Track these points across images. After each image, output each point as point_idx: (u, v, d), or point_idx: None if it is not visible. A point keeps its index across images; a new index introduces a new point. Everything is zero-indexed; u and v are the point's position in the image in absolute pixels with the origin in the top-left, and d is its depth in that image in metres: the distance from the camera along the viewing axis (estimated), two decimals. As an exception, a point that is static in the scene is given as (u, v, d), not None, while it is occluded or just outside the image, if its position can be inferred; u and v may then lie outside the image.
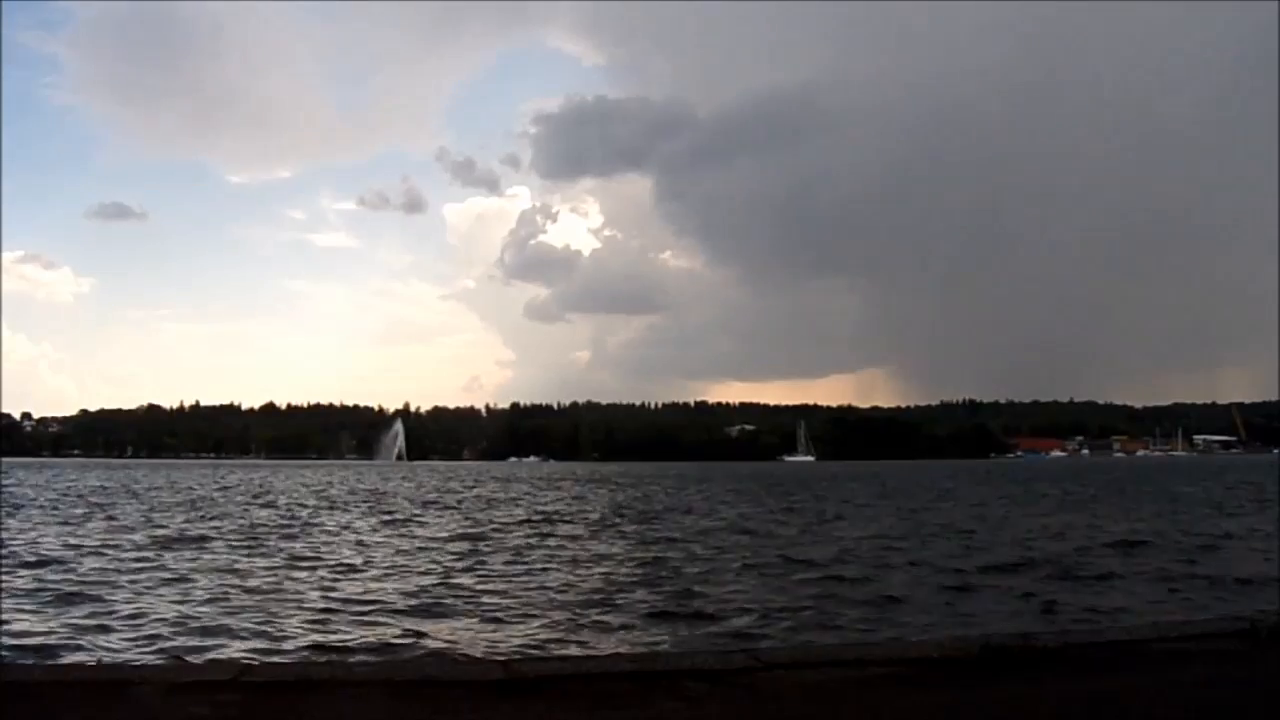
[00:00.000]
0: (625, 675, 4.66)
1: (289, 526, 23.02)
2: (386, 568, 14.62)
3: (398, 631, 9.40)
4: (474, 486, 53.38)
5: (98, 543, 18.11)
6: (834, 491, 44.47)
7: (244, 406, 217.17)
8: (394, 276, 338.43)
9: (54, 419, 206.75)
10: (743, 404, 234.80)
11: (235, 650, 8.43)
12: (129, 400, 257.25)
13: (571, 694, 4.31)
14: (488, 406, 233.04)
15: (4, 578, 12.51)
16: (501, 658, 7.56)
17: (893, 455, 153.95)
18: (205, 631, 9.25)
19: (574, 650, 8.56)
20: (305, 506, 32.23)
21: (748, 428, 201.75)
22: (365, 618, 10.12)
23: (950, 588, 12.04)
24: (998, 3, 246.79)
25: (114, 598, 11.19)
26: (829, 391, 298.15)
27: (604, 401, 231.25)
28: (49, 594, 11.33)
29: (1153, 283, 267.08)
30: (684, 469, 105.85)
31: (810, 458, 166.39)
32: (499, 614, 10.34)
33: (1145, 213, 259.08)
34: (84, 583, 12.30)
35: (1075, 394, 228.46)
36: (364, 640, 8.95)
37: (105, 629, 9.36)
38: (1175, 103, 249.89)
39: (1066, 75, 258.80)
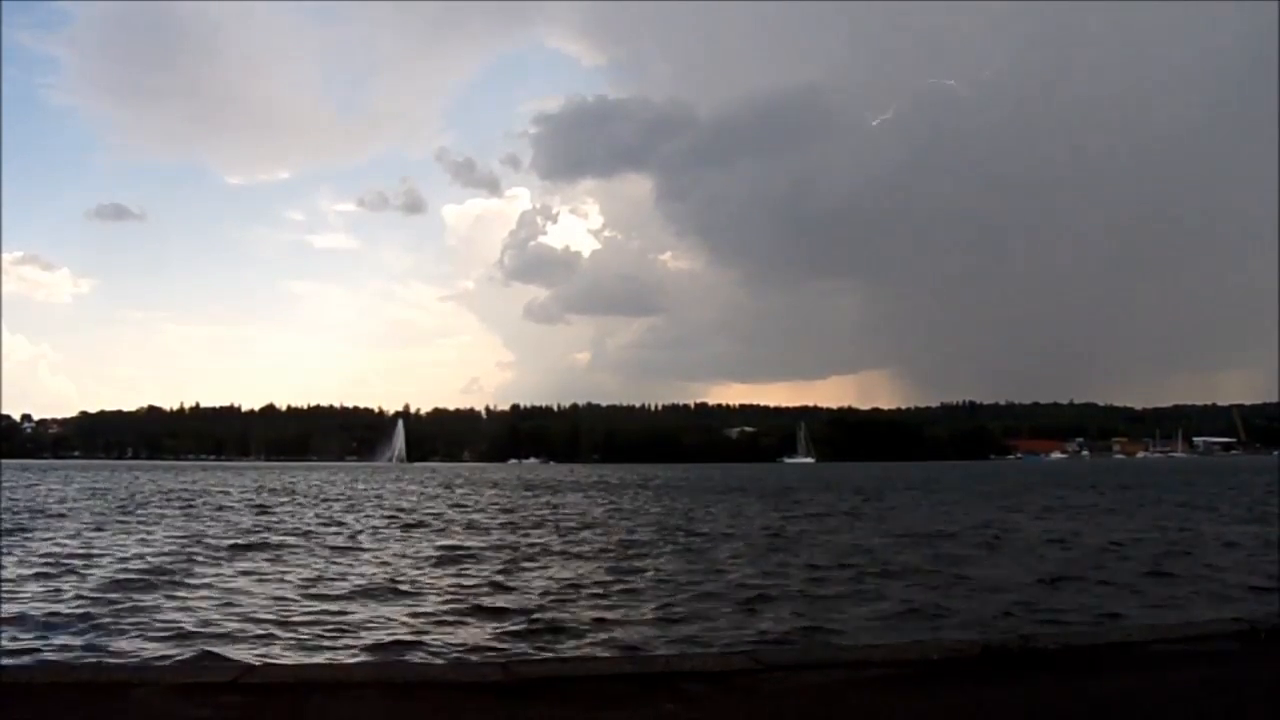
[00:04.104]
0: (625, 677, 4.66)
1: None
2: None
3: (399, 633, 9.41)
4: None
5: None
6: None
7: (244, 408, 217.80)
8: (394, 278, 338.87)
9: (54, 420, 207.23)
10: (743, 406, 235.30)
11: (235, 651, 8.43)
12: (129, 402, 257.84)
13: (571, 696, 4.30)
14: (488, 408, 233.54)
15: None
16: (501, 659, 7.56)
17: (893, 457, 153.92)
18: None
19: (574, 652, 8.56)
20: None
21: (748, 429, 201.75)
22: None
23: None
24: (999, 3, 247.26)
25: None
26: (829, 393, 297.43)
27: (604, 403, 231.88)
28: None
29: (1153, 284, 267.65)
30: (689, 471, 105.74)
31: (810, 460, 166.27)
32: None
33: (1145, 214, 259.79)
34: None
35: (1076, 396, 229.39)
36: (365, 642, 8.95)
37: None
38: (1175, 103, 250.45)
39: (1067, 76, 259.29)
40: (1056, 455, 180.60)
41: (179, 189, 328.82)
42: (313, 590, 12.16)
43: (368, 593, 12.05)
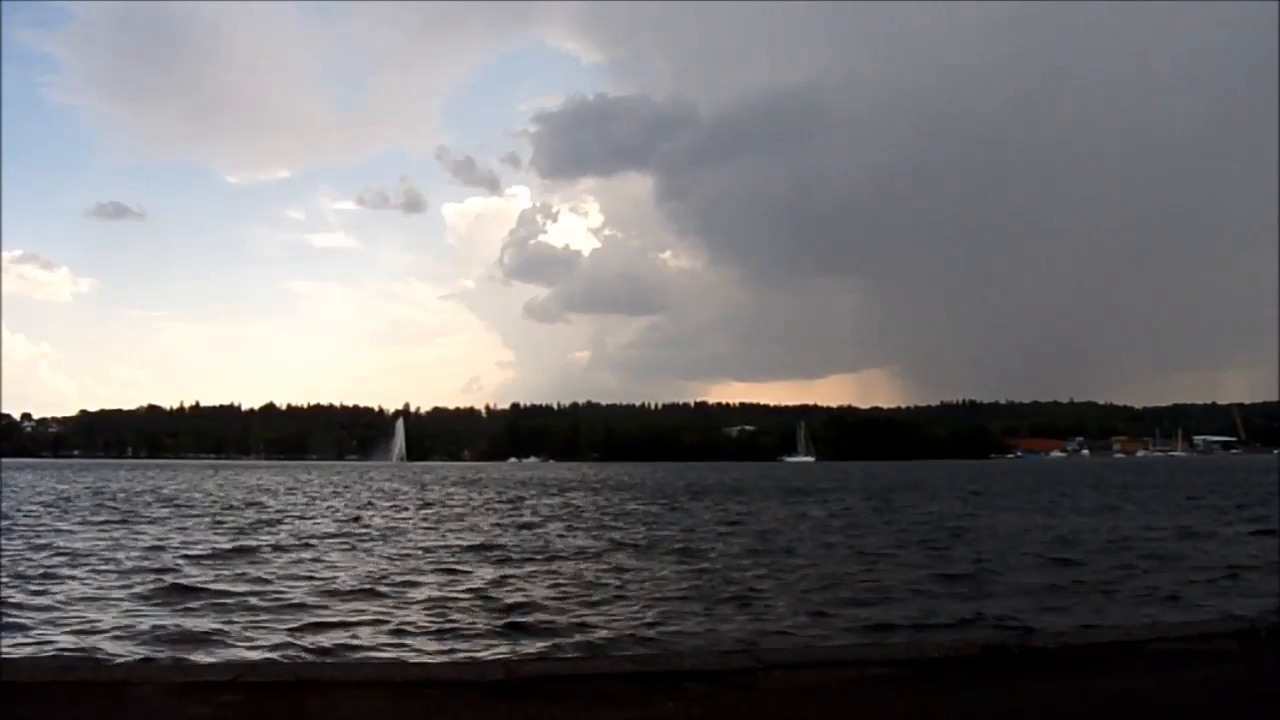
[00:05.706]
0: (625, 676, 4.66)
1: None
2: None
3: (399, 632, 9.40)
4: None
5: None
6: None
7: (244, 407, 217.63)
8: (393, 277, 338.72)
9: (54, 419, 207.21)
10: (742, 404, 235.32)
11: (236, 650, 8.43)
12: (129, 401, 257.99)
13: (572, 695, 4.31)
14: (488, 407, 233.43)
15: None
16: (502, 658, 7.56)
17: (892, 456, 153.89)
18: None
19: (574, 651, 8.55)
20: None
21: (747, 428, 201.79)
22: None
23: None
24: (999, 2, 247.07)
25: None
26: (829, 392, 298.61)
27: (604, 402, 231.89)
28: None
29: (1154, 283, 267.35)
30: (689, 471, 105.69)
31: (810, 459, 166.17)
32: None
33: (1146, 213, 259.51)
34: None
35: (1076, 394, 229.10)
36: (365, 641, 8.94)
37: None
38: (1175, 103, 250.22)
39: (1067, 75, 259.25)
40: (1056, 454, 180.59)
41: (179, 188, 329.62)
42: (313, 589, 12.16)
43: (367, 591, 12.05)
